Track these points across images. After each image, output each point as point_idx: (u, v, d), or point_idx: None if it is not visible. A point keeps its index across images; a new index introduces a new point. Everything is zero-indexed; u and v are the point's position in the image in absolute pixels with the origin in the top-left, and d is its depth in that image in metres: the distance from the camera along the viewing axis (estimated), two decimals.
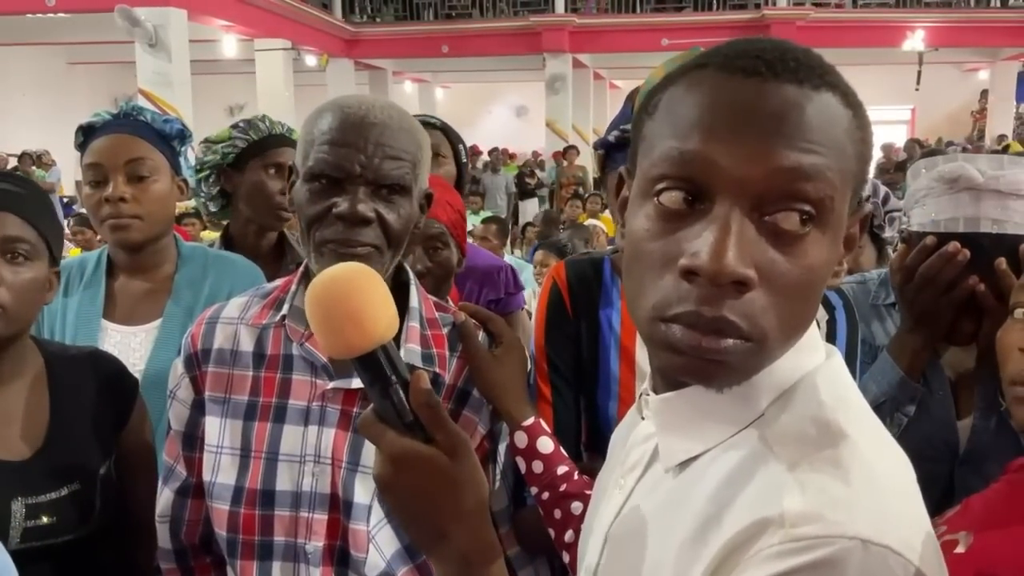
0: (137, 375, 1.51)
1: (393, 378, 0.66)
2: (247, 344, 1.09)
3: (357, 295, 0.65)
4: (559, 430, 1.16)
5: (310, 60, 13.60)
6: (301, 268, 1.10)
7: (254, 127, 1.91)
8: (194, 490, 1.13)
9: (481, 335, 1.13)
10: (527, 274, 5.12)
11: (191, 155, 1.79)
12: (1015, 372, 1.00)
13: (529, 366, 1.19)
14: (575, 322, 1.25)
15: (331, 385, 1.04)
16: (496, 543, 0.70)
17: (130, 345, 1.54)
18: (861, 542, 0.52)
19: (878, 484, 0.56)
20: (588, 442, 1.28)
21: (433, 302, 1.15)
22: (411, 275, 1.13)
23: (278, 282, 1.15)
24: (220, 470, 1.07)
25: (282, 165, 1.88)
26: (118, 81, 15.00)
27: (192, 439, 1.12)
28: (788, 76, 0.57)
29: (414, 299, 1.10)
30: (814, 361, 0.64)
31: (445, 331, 1.12)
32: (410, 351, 1.05)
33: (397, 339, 0.89)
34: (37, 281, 1.21)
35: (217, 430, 1.08)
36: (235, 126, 1.93)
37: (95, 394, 1.28)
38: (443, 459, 0.66)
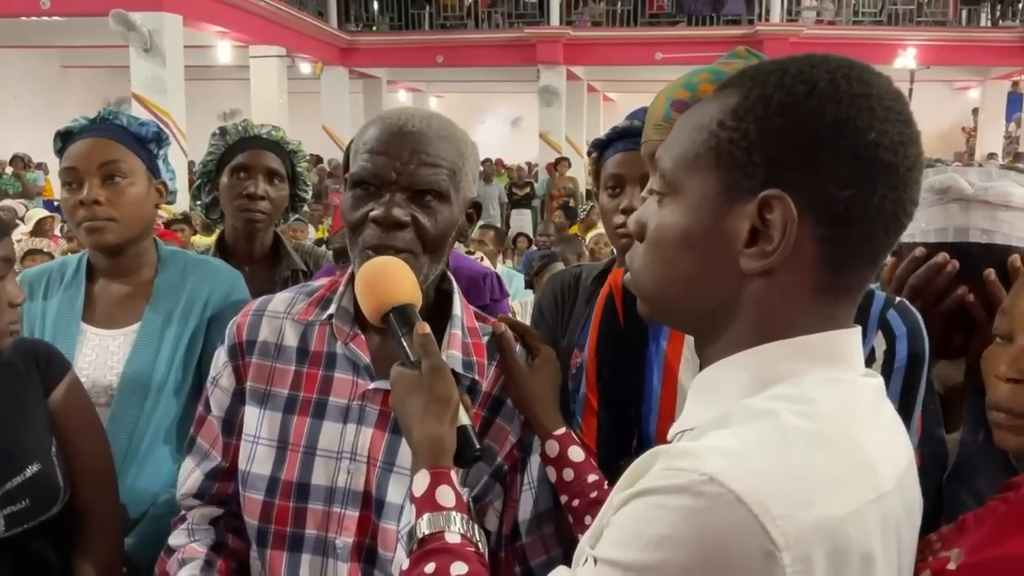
0: (115, 378, 1.50)
1: (405, 330, 0.97)
2: (291, 339, 1.12)
3: (385, 271, 0.99)
4: (603, 441, 1.16)
5: (304, 68, 13.62)
6: (349, 270, 1.13)
7: (228, 133, 1.93)
8: (224, 474, 1.15)
9: (518, 347, 1.15)
10: (518, 283, 5.13)
11: (183, 159, 1.78)
12: (992, 397, 1.00)
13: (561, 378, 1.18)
14: (625, 332, 1.24)
15: (372, 385, 1.07)
16: (447, 448, 0.90)
17: (108, 348, 1.53)
18: (709, 478, 0.57)
19: (774, 453, 0.59)
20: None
21: (473, 311, 1.18)
22: (454, 284, 1.16)
23: (323, 280, 1.19)
24: (255, 460, 1.09)
25: (247, 166, 1.88)
26: (111, 85, 14.98)
27: (231, 425, 1.14)
28: None
29: (456, 307, 1.14)
30: (830, 372, 0.66)
31: (484, 340, 1.15)
32: (452, 357, 1.08)
33: (439, 341, 1.06)
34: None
35: (256, 420, 1.10)
36: (213, 134, 1.94)
37: (24, 372, 1.28)
38: (418, 377, 0.93)
